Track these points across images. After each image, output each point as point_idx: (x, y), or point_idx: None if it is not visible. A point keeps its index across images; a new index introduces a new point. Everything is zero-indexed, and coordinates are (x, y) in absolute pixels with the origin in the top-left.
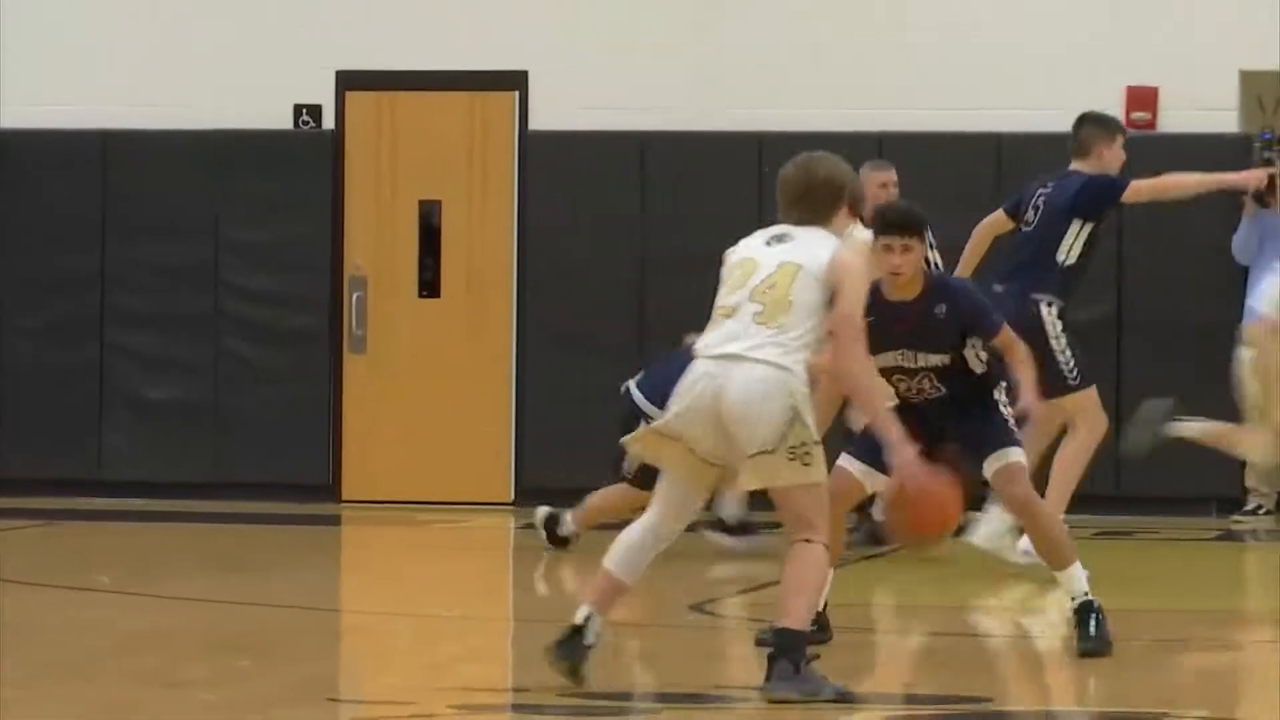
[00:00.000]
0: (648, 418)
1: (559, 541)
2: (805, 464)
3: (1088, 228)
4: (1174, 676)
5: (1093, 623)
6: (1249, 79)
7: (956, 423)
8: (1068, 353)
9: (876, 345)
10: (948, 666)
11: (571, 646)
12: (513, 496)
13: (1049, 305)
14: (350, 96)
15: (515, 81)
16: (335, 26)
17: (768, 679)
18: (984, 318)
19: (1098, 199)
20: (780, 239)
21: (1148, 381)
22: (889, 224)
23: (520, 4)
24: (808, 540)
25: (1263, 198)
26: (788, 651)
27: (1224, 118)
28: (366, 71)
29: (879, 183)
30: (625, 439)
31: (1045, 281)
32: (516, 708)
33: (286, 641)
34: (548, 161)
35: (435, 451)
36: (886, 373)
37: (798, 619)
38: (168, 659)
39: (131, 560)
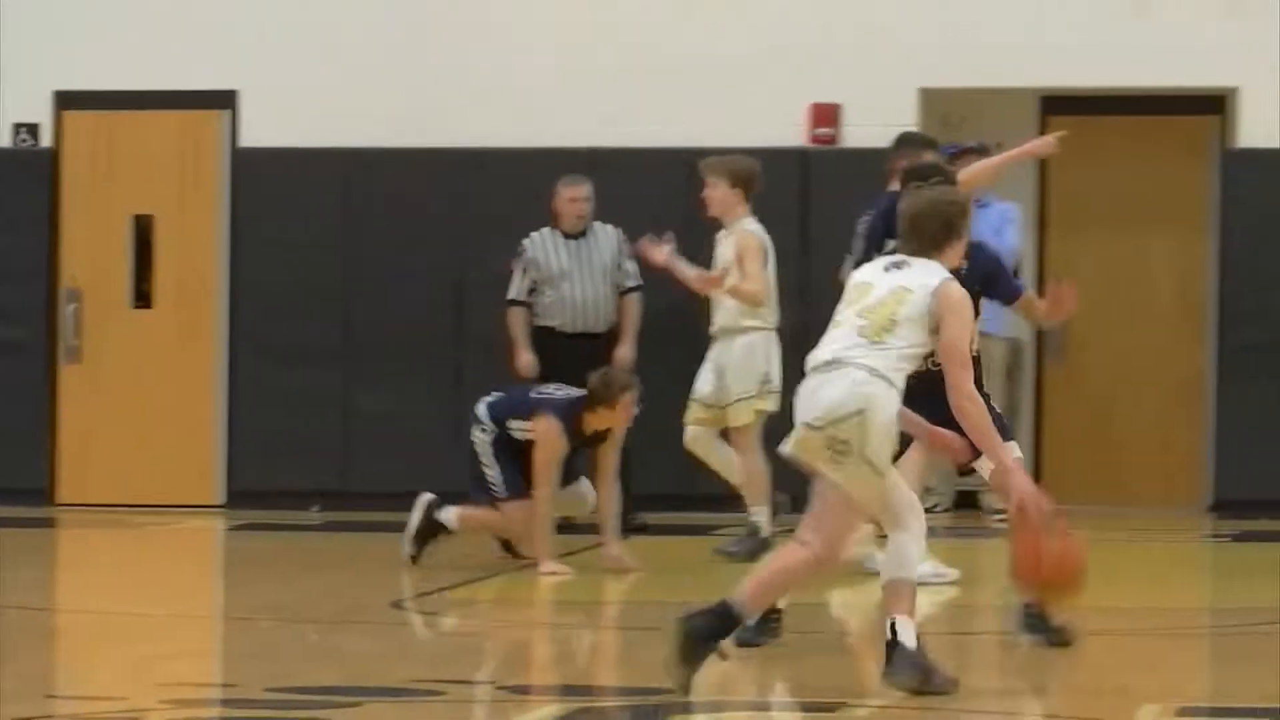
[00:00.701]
0: (481, 424)
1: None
2: (877, 474)
3: None
4: (856, 669)
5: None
6: (929, 96)
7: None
8: None
9: None
10: (636, 661)
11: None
12: (224, 499)
13: None
14: (67, 116)
15: (226, 100)
16: (53, 48)
17: (685, 615)
18: (1004, 278)
19: (896, 215)
20: (898, 266)
21: None
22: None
23: (231, 25)
24: (804, 544)
25: None
26: (713, 620)
27: None
28: (83, 92)
29: (569, 197)
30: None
31: None
32: (225, 702)
33: (3, 640)
34: (258, 177)
35: (149, 456)
36: None
37: (743, 601)
38: None
39: None
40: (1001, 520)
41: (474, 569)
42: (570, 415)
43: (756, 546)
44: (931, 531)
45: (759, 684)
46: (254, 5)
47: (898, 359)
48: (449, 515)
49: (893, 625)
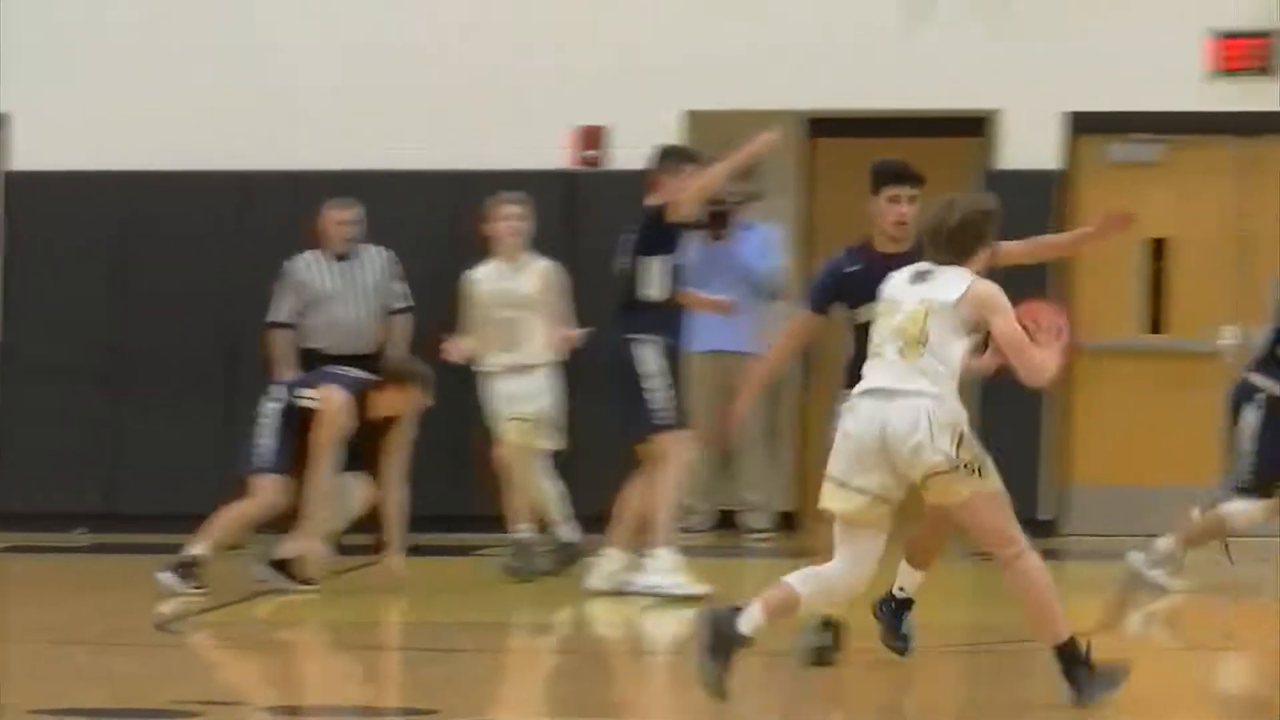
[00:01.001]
0: (271, 394)
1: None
2: (981, 475)
3: (666, 260)
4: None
5: (905, 621)
6: (696, 118)
7: None
8: (658, 394)
9: (871, 298)
10: (410, 681)
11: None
12: None
13: (642, 344)
14: None
15: None
16: None
17: (1077, 696)
18: None
19: (652, 229)
20: (922, 276)
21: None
22: (898, 175)
23: (2, 49)
24: (1013, 554)
25: (713, 229)
26: (1070, 664)
27: None
28: None
29: (336, 220)
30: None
31: (638, 321)
32: None
33: None
34: (29, 200)
35: None
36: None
37: (1054, 633)
38: None
39: None
40: (761, 540)
41: (242, 591)
42: (359, 392)
43: (532, 560)
44: (689, 550)
45: (531, 700)
46: (26, 29)
47: (947, 374)
48: (196, 549)
49: (748, 613)
